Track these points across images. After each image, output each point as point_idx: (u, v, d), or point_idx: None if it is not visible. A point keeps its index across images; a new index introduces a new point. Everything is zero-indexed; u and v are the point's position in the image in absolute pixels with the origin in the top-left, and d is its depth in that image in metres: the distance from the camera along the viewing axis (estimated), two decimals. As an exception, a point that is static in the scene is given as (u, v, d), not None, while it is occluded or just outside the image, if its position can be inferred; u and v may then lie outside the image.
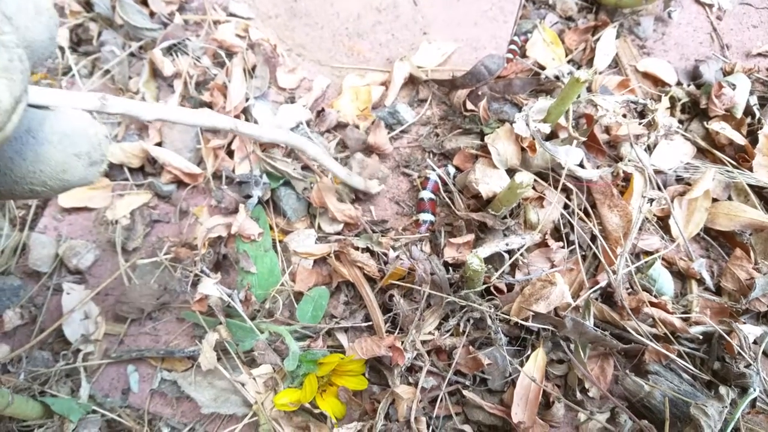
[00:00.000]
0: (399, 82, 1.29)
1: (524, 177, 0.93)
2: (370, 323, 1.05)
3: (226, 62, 1.30)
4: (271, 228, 1.17)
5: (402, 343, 0.98)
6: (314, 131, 1.26)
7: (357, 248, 1.09)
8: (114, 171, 1.24)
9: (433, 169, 1.17)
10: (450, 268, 1.07)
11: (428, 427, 0.96)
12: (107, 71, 1.33)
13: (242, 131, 0.88)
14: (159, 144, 1.24)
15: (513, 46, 1.32)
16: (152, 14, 1.35)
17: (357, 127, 1.25)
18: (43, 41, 0.53)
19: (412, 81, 1.32)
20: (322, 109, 1.27)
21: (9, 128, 0.44)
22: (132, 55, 1.34)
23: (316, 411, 0.99)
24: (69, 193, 1.21)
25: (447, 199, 1.14)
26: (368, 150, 1.24)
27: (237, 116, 1.23)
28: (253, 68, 1.30)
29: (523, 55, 1.33)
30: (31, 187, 0.54)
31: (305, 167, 1.20)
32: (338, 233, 1.16)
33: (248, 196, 1.17)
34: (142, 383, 1.10)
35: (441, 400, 0.98)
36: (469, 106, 1.23)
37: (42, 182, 0.54)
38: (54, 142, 0.54)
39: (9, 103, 0.43)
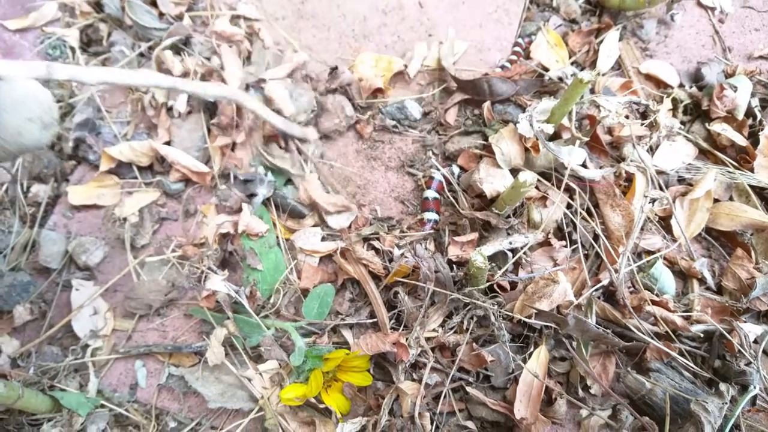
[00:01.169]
0: (418, 63, 1.33)
1: (527, 176, 0.95)
2: (375, 320, 1.07)
3: (229, 51, 1.32)
4: (274, 225, 1.18)
5: (406, 339, 0.99)
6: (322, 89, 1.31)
7: (364, 244, 1.11)
8: (123, 169, 1.25)
9: (438, 169, 1.18)
10: (454, 266, 1.08)
11: (432, 423, 0.97)
12: (117, 71, 1.35)
13: (183, 89, 0.89)
14: (168, 143, 1.26)
15: (517, 48, 1.34)
16: (161, 15, 1.36)
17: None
18: None
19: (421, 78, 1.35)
20: (336, 67, 1.31)
21: None
22: (141, 55, 1.36)
23: (321, 406, 1.00)
24: (79, 191, 1.23)
25: (451, 199, 1.16)
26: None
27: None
28: (249, 56, 1.34)
29: (527, 57, 1.34)
30: None
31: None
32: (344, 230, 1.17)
33: (253, 195, 1.19)
34: (150, 378, 1.11)
35: (445, 396, 0.99)
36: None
37: (1, 147, 0.58)
38: (8, 108, 0.58)
39: None
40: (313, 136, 1.21)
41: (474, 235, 1.09)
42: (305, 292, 1.12)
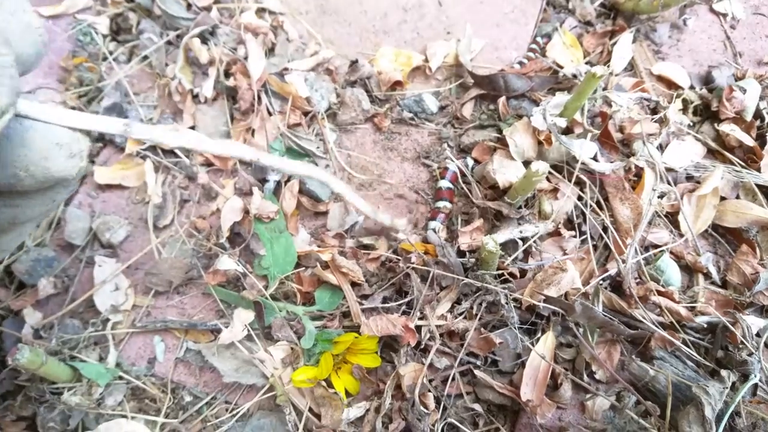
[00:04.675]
0: (439, 60, 1.37)
1: (540, 165, 0.98)
2: (389, 305, 1.09)
3: (253, 42, 1.37)
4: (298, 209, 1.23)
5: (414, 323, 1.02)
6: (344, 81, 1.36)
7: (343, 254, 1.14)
8: (148, 151, 1.30)
9: (452, 161, 1.22)
10: (466, 253, 1.10)
11: (439, 404, 1.00)
12: (145, 57, 1.39)
13: (264, 162, 0.86)
14: (192, 127, 1.30)
15: (534, 45, 1.37)
16: (189, 6, 1.41)
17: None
18: (30, 55, 0.60)
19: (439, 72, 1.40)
20: (356, 61, 1.35)
21: None
22: (169, 43, 1.41)
23: (331, 391, 1.03)
24: (104, 172, 1.27)
25: (465, 190, 1.19)
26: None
27: (259, 91, 1.30)
28: (273, 48, 1.39)
29: (543, 56, 1.38)
30: (15, 171, 0.59)
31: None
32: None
33: (265, 180, 1.22)
34: (168, 353, 1.15)
35: (453, 379, 1.02)
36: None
37: (25, 167, 0.60)
38: (38, 128, 0.61)
39: None
40: (403, 226, 1.15)
41: (479, 222, 1.12)
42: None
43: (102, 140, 1.33)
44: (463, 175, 1.21)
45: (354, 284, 1.12)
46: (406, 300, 1.09)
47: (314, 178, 0.97)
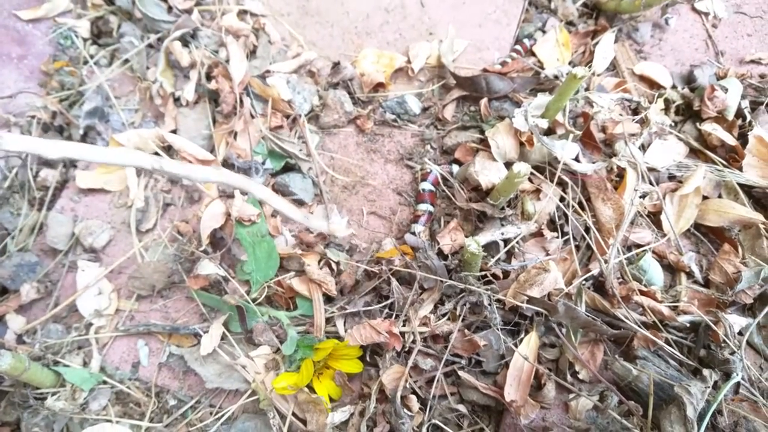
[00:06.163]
0: (422, 61, 1.37)
1: (521, 167, 0.98)
2: (370, 308, 1.09)
3: (235, 44, 1.36)
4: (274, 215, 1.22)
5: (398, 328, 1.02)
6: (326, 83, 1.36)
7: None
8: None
9: (438, 164, 1.21)
10: (449, 256, 1.11)
11: (424, 406, 1.01)
12: (126, 61, 1.39)
13: (167, 170, 0.85)
14: (174, 131, 1.29)
15: (518, 47, 1.37)
16: (170, 9, 1.40)
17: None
18: None
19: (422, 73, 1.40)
20: (338, 63, 1.35)
21: None
22: (150, 46, 1.40)
23: (314, 395, 1.02)
24: (86, 176, 1.27)
25: (448, 193, 1.19)
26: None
27: (241, 94, 1.29)
28: (254, 50, 1.38)
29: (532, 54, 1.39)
30: None
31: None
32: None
33: None
34: (152, 357, 1.14)
35: (437, 380, 1.02)
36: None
37: None
38: None
39: None
40: (344, 232, 1.13)
41: (455, 222, 1.13)
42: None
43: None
44: (447, 180, 1.21)
45: (328, 297, 1.13)
46: (389, 302, 1.09)
47: (228, 184, 0.94)
